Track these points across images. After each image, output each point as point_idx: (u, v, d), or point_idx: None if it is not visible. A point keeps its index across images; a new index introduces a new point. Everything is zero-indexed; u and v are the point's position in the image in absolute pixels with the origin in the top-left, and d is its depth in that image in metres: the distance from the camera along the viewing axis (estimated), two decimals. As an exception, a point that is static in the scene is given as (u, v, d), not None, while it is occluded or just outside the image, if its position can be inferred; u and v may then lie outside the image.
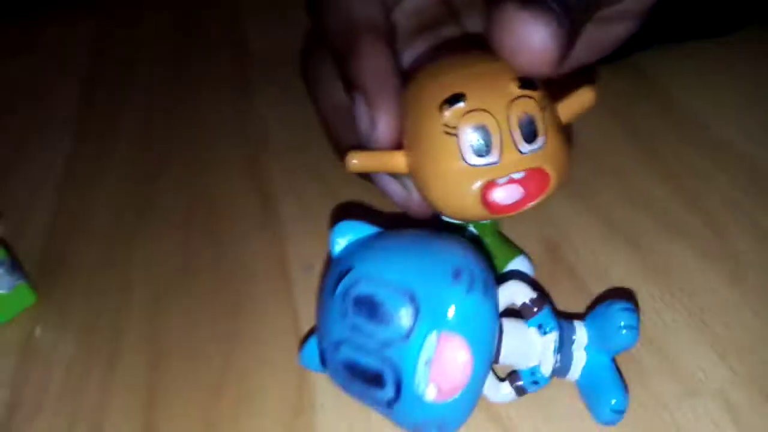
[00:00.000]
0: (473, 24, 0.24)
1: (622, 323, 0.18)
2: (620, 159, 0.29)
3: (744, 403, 0.19)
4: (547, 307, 0.19)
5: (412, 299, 0.16)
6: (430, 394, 0.16)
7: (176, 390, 0.22)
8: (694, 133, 0.30)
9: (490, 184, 0.18)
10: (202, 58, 0.42)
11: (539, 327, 0.18)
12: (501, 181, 0.18)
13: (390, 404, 0.16)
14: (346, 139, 0.23)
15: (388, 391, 0.16)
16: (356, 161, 0.19)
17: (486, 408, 0.20)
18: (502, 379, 0.19)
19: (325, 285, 0.18)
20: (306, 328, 0.23)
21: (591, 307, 0.20)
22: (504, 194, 0.18)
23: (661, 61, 0.34)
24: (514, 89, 0.17)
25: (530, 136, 0.18)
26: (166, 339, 0.23)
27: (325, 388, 0.21)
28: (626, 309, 0.18)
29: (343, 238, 0.19)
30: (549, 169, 0.18)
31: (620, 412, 0.18)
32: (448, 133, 0.17)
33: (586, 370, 0.19)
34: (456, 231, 0.21)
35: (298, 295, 0.24)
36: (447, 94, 0.17)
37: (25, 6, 0.48)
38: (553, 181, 0.18)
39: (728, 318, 0.22)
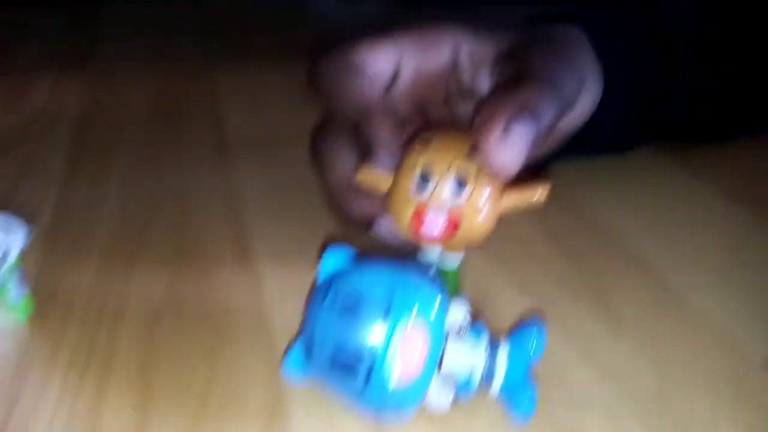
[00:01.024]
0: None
1: (534, 337, 0.24)
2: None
3: (622, 415, 0.25)
4: (480, 322, 0.25)
5: (388, 298, 0.22)
6: (394, 375, 0.21)
7: (166, 395, 0.25)
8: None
9: (417, 213, 0.25)
10: (183, 129, 0.47)
11: (475, 338, 0.24)
12: (427, 212, 0.25)
13: (361, 388, 0.21)
14: (347, 205, 0.29)
15: (361, 377, 0.21)
16: (362, 177, 0.27)
17: (426, 414, 0.25)
18: (441, 389, 0.24)
19: (314, 294, 0.23)
20: (281, 346, 0.27)
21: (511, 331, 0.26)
22: (425, 223, 0.25)
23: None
24: (464, 154, 0.25)
25: (458, 188, 0.25)
26: (157, 351, 0.27)
27: (299, 399, 0.25)
28: (535, 326, 0.24)
29: (330, 260, 0.24)
30: (461, 219, 0.25)
31: (530, 413, 0.23)
32: (410, 169, 0.25)
33: (506, 380, 0.25)
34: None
35: (275, 323, 0.29)
36: (425, 144, 0.25)
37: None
38: (460, 232, 0.25)
39: (608, 355, 0.28)
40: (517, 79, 0.27)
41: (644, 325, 0.30)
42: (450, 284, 0.28)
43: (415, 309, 0.21)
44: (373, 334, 0.21)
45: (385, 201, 0.26)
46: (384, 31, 0.31)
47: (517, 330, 0.25)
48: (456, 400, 0.24)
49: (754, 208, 0.40)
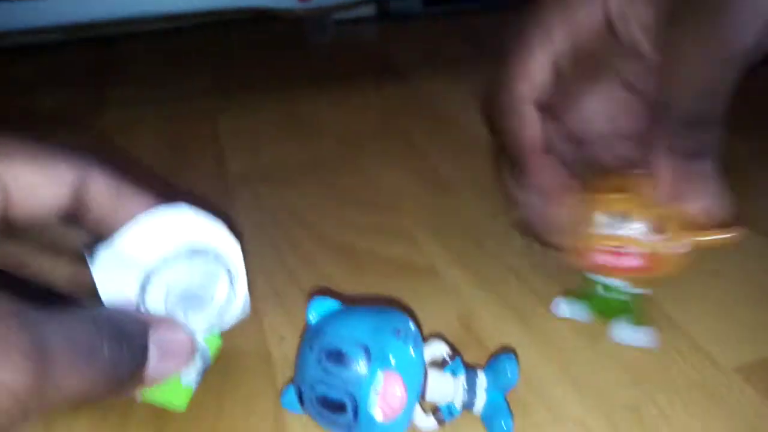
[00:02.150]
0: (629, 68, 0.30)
1: (507, 368, 0.26)
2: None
3: (596, 428, 0.28)
4: (458, 358, 0.27)
5: (366, 350, 0.24)
6: (378, 415, 0.23)
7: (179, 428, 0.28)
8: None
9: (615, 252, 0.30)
10: (186, 169, 0.50)
11: (453, 372, 0.27)
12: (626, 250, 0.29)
13: (350, 426, 0.24)
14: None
15: (349, 416, 0.24)
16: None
17: (416, 437, 0.27)
18: (428, 412, 0.27)
19: (303, 343, 0.26)
20: (281, 382, 0.30)
21: (488, 360, 0.29)
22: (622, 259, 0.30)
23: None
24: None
25: (654, 232, 0.29)
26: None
27: (295, 426, 0.28)
28: (509, 358, 0.26)
29: (316, 310, 0.27)
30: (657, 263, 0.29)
31: (509, 431, 0.26)
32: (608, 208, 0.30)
33: (486, 404, 0.27)
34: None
35: (274, 359, 0.32)
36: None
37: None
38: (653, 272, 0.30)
39: (587, 370, 0.30)
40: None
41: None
42: (634, 311, 0.32)
43: (390, 356, 0.24)
44: (356, 379, 0.24)
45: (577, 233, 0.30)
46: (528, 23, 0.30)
47: (492, 361, 0.27)
48: (442, 423, 0.27)
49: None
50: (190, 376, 0.26)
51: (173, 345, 0.24)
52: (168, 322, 0.24)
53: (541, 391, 0.29)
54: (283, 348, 0.32)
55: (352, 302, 0.27)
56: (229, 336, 0.33)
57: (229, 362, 0.31)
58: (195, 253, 0.24)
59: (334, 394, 0.24)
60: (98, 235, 0.25)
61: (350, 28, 0.88)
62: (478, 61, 0.72)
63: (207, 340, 0.26)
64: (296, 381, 0.26)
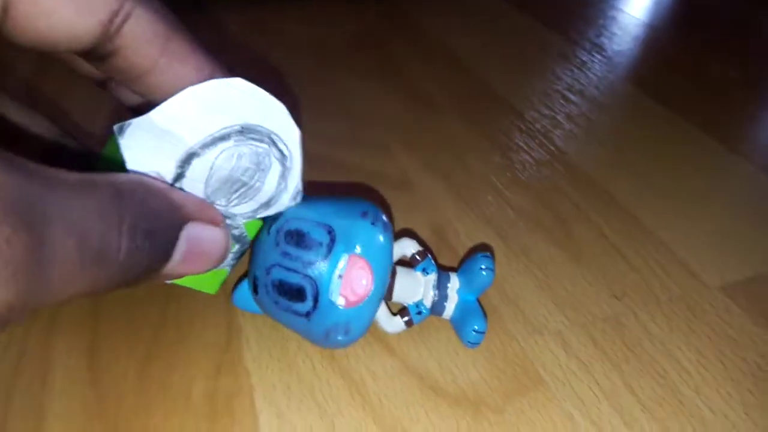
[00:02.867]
0: None
1: (482, 266, 0.24)
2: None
3: (574, 340, 0.26)
4: (429, 257, 0.24)
5: (330, 231, 0.21)
6: (340, 301, 0.21)
7: (117, 331, 0.25)
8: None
9: None
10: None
11: (423, 270, 0.24)
12: None
13: (309, 314, 0.21)
14: None
15: (308, 303, 0.21)
16: None
17: (381, 339, 0.25)
18: (395, 314, 0.24)
19: (260, 229, 0.23)
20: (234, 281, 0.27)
21: (461, 262, 0.26)
22: None
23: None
24: None
25: None
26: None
27: (249, 329, 0.25)
28: (485, 256, 0.24)
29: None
30: None
31: (482, 333, 0.23)
32: None
33: (458, 307, 0.25)
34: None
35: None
36: None
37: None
38: None
39: (567, 283, 0.28)
40: None
41: (602, 254, 0.30)
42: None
43: (357, 238, 0.21)
44: (319, 261, 0.21)
45: None
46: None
47: (467, 262, 0.25)
48: (410, 325, 0.24)
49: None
50: (226, 259, 0.22)
51: (205, 247, 0.19)
52: (208, 214, 0.19)
53: (517, 302, 0.27)
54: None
55: (316, 193, 0.24)
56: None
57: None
58: (247, 133, 0.19)
59: (293, 279, 0.21)
60: (123, 93, 0.21)
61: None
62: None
63: (248, 224, 0.22)
64: (251, 269, 0.23)
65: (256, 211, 0.22)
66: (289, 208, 0.22)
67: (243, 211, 0.21)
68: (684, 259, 0.30)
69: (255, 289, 0.23)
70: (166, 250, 0.17)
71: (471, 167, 0.36)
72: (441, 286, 0.24)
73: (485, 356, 0.25)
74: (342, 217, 0.22)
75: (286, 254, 0.21)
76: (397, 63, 0.49)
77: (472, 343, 0.24)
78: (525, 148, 0.38)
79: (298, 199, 0.22)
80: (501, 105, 0.43)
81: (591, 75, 0.48)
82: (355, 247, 0.21)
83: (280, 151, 0.20)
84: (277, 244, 0.22)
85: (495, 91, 0.45)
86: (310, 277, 0.21)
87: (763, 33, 0.60)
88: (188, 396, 0.23)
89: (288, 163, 0.21)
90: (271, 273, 0.22)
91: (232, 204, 0.21)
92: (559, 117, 0.42)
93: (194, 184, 0.19)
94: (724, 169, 0.37)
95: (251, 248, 0.23)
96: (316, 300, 0.21)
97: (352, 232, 0.21)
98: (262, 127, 0.20)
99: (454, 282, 0.25)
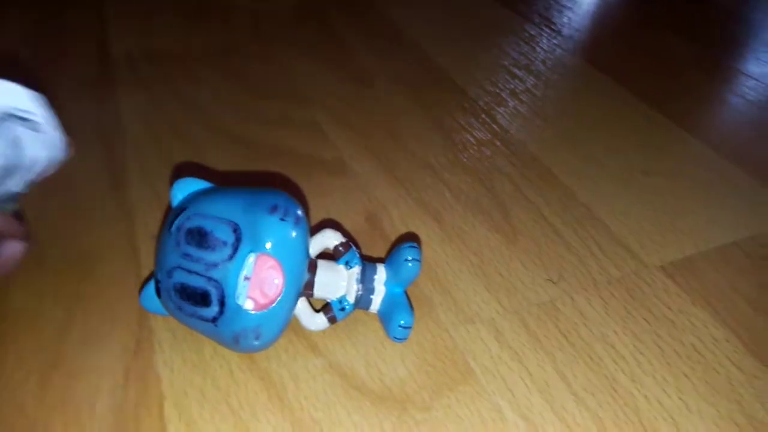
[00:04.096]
0: None
1: (409, 257, 0.22)
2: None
3: (507, 328, 0.25)
4: (353, 248, 0.23)
5: (235, 228, 0.20)
6: (249, 305, 0.19)
7: (21, 333, 0.23)
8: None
9: None
10: (69, 55, 0.43)
11: (346, 263, 0.23)
12: None
13: (215, 319, 0.20)
14: None
15: (214, 308, 0.20)
16: None
17: (305, 337, 0.24)
18: (317, 311, 0.23)
19: (162, 226, 0.21)
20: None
21: (388, 252, 0.25)
22: None
23: None
24: None
25: None
26: (10, 300, 0.25)
27: (161, 331, 0.23)
28: (411, 246, 0.23)
29: (182, 192, 0.22)
30: None
31: (407, 328, 0.22)
32: None
33: (384, 300, 0.23)
34: None
35: (143, 258, 0.27)
36: None
37: None
38: None
39: (502, 268, 0.27)
40: None
41: (540, 236, 0.29)
42: None
43: (265, 235, 0.19)
44: (223, 263, 0.19)
45: None
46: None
47: (393, 253, 0.23)
48: (333, 321, 0.23)
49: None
50: None
51: None
52: None
53: (449, 289, 0.26)
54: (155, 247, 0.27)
55: (227, 184, 0.23)
56: (95, 236, 0.28)
57: (93, 265, 0.27)
58: None
59: (196, 282, 0.20)
60: None
61: None
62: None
63: None
64: (154, 270, 0.21)
65: (29, 180, 0.22)
66: (192, 204, 0.20)
67: (18, 187, 0.22)
68: (624, 239, 0.29)
69: (158, 293, 0.21)
70: None
71: (410, 149, 0.35)
72: (366, 279, 0.23)
73: (414, 350, 0.24)
74: (249, 212, 0.20)
75: (187, 255, 0.20)
76: (337, 37, 0.47)
77: (398, 339, 0.22)
78: (467, 127, 0.37)
79: (68, 150, 0.22)
80: (444, 82, 0.42)
81: (539, 49, 0.46)
82: (263, 246, 0.19)
83: (20, 117, 0.20)
84: (178, 244, 0.20)
85: (438, 67, 0.43)
86: (215, 280, 0.19)
87: (715, 7, 0.60)
88: (92, 407, 0.21)
89: (37, 120, 0.21)
90: (173, 276, 0.20)
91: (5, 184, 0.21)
92: (503, 94, 0.41)
93: None
94: (672, 147, 0.37)
95: (156, 247, 0.21)
96: (222, 304, 0.19)
97: (260, 228, 0.20)
98: None
99: (381, 274, 0.23)
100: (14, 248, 0.23)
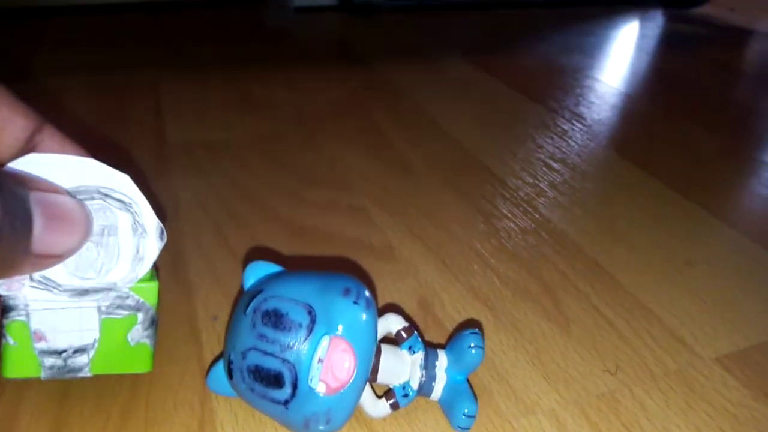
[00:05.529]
0: None
1: (471, 344, 0.23)
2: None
3: (569, 420, 0.24)
4: (415, 333, 0.23)
5: (310, 311, 0.20)
6: (321, 388, 0.20)
7: (86, 411, 0.23)
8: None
9: None
10: (121, 136, 0.45)
11: (409, 348, 0.23)
12: None
13: (287, 402, 0.20)
14: None
15: (287, 390, 0.20)
16: None
17: (366, 424, 0.23)
18: (379, 397, 0.23)
19: (237, 307, 0.22)
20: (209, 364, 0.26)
21: (449, 338, 0.25)
22: None
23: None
24: None
25: None
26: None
27: (224, 413, 0.23)
28: (473, 333, 0.23)
29: (254, 275, 0.23)
30: None
31: (472, 417, 0.22)
32: None
33: (446, 388, 0.23)
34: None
35: (204, 340, 0.27)
36: None
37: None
38: None
39: (558, 358, 0.27)
40: None
41: (592, 326, 0.29)
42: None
43: (338, 319, 0.20)
44: (298, 344, 0.20)
45: None
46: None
47: (455, 339, 0.24)
48: (395, 408, 0.23)
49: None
50: (136, 333, 0.22)
51: (60, 209, 0.18)
52: (44, 184, 0.19)
53: (507, 379, 0.26)
54: (217, 328, 0.28)
55: (296, 268, 0.24)
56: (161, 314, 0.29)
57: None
58: (74, 194, 0.20)
59: (270, 364, 0.20)
60: None
61: (310, 15, 0.85)
62: (440, 52, 0.70)
63: (138, 289, 0.22)
64: (225, 351, 0.22)
65: (133, 269, 0.21)
66: (266, 287, 0.21)
67: (122, 276, 0.21)
68: (676, 330, 0.29)
69: (230, 374, 0.21)
70: (24, 219, 0.16)
71: (455, 235, 0.36)
72: (428, 365, 0.23)
73: (476, 440, 0.23)
74: (323, 295, 0.21)
75: (262, 336, 0.20)
76: (375, 127, 0.49)
77: (462, 428, 0.22)
78: (509, 215, 0.38)
79: (164, 238, 0.22)
80: (483, 172, 0.43)
81: (572, 143, 0.48)
82: (336, 328, 0.20)
83: (118, 200, 0.21)
84: (254, 326, 0.20)
85: (476, 158, 0.45)
86: (289, 362, 0.20)
87: (731, 98, 0.62)
88: (155, 493, 0.21)
89: (134, 208, 0.21)
90: (247, 357, 0.20)
91: (102, 272, 0.21)
92: (542, 185, 0.42)
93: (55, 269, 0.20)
94: (710, 237, 0.37)
95: (227, 328, 0.22)
96: (294, 387, 0.20)
97: (333, 311, 0.20)
98: (85, 186, 0.20)
99: (442, 360, 0.24)
100: (64, 199, 0.20)
